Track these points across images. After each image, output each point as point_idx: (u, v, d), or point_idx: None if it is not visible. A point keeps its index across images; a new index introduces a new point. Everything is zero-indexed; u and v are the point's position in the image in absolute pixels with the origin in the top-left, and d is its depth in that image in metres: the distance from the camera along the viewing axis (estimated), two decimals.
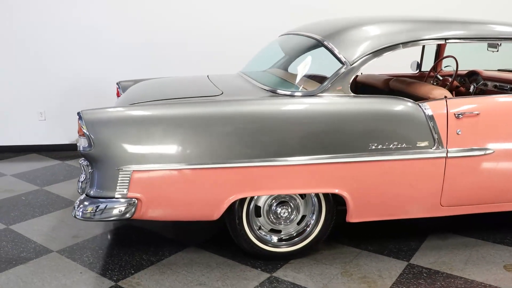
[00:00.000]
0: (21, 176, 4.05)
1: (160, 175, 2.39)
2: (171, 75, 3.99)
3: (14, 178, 4.01)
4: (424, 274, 2.55)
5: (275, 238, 2.66)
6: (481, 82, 3.71)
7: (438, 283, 2.45)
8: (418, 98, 2.72)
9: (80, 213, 2.39)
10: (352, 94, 2.56)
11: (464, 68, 3.88)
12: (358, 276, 2.51)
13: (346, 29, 2.71)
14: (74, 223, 3.02)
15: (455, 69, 3.52)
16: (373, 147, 2.51)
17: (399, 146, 2.55)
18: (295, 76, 2.75)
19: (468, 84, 3.88)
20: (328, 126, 2.47)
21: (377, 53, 2.59)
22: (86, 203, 2.39)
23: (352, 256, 2.74)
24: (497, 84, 3.55)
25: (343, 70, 2.55)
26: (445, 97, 2.73)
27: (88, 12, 4.67)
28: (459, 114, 2.61)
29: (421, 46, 3.99)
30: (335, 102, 2.53)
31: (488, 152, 2.67)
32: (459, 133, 2.62)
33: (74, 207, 2.41)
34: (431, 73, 3.86)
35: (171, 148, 2.37)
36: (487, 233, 3.06)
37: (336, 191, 2.52)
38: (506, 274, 2.56)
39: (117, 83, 3.65)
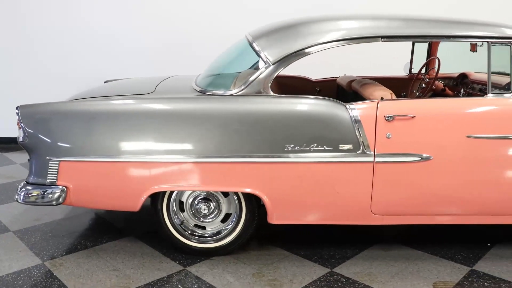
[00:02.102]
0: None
1: (85, 166, 2.56)
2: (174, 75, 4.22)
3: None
4: (339, 283, 2.44)
5: (196, 233, 2.72)
6: (470, 85, 3.42)
7: None
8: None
9: (21, 198, 2.65)
10: (272, 94, 2.54)
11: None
12: (268, 279, 2.48)
13: (274, 30, 2.68)
14: (43, 208, 3.33)
15: (437, 71, 3.32)
16: (289, 148, 2.46)
17: (318, 148, 2.47)
18: (231, 76, 2.77)
19: (459, 87, 3.60)
20: (244, 126, 2.47)
21: (301, 52, 2.53)
22: (24, 188, 2.64)
23: (278, 258, 2.69)
24: (483, 87, 3.24)
25: (263, 69, 2.54)
26: (382, 98, 2.59)
27: (98, 17, 5.08)
28: (389, 117, 2.46)
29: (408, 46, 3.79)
30: (252, 101, 2.52)
31: (425, 158, 2.48)
32: (389, 137, 2.47)
33: (17, 192, 2.69)
34: (419, 76, 3.63)
35: (94, 142, 2.53)
36: (440, 247, 2.83)
37: (251, 191, 2.51)
38: None
39: (104, 82, 3.94)
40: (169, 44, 5.07)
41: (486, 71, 2.61)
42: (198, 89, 2.69)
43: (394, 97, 2.66)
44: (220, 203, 2.69)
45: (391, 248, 2.83)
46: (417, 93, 3.45)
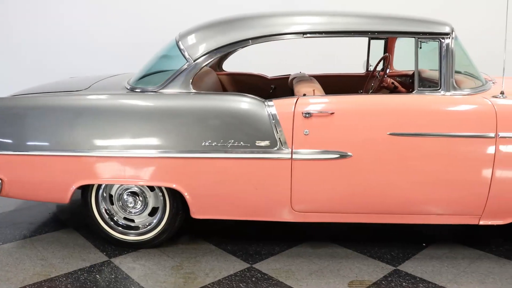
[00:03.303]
0: None
1: (17, 160, 2.66)
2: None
3: None
4: (253, 279, 2.45)
5: (124, 226, 2.78)
6: (421, 83, 3.35)
7: None
8: None
9: None
10: (193, 91, 2.57)
11: None
12: (185, 272, 2.51)
13: (198, 28, 2.71)
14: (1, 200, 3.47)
15: (385, 69, 3.27)
16: (207, 144, 2.49)
17: (235, 144, 2.49)
18: (158, 74, 2.81)
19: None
20: (164, 121, 2.52)
21: (222, 49, 2.56)
22: None
23: (203, 252, 2.72)
24: (431, 84, 3.17)
25: (185, 67, 2.57)
26: (304, 95, 2.58)
27: (81, 17, 5.27)
28: (307, 113, 2.45)
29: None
30: (172, 98, 2.56)
31: (344, 155, 2.46)
32: (307, 133, 2.46)
33: None
34: (374, 73, 3.58)
35: (26, 136, 2.62)
36: (372, 246, 2.80)
37: (171, 186, 2.56)
38: None
39: (70, 78, 4.06)
40: (145, 43, 5.15)
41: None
42: (129, 86, 2.75)
43: (319, 93, 2.64)
44: (147, 197, 2.75)
45: (321, 246, 2.82)
46: (371, 91, 3.41)
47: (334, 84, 3.69)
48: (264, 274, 2.50)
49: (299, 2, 4.32)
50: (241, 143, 2.49)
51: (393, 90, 3.46)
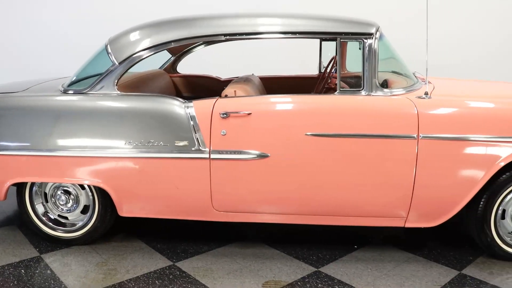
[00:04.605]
0: None
1: None
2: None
3: None
4: (171, 276, 2.48)
5: (57, 223, 2.85)
6: None
7: (171, 286, 2.39)
8: None
9: None
10: (118, 92, 2.62)
11: None
12: (109, 268, 2.57)
13: (124, 32, 2.76)
14: None
15: (330, 70, 3.27)
16: (129, 144, 2.55)
17: (155, 144, 2.54)
18: (88, 77, 2.87)
19: None
20: (89, 121, 2.59)
21: (145, 51, 2.61)
22: None
23: (132, 250, 2.77)
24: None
25: (110, 69, 2.63)
26: (226, 96, 2.61)
27: (59, 19, 5.42)
28: (224, 114, 2.48)
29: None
30: (98, 99, 2.62)
31: (262, 155, 2.48)
32: (224, 134, 2.49)
33: None
34: (324, 74, 3.58)
35: None
36: (302, 247, 2.80)
37: (96, 184, 2.62)
38: None
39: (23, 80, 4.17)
40: None
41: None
42: (62, 89, 2.82)
43: (243, 94, 2.66)
44: (79, 195, 2.81)
45: (250, 246, 2.83)
46: (320, 92, 3.41)
47: (288, 86, 3.70)
48: (183, 272, 2.53)
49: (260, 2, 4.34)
50: (161, 143, 2.53)
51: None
